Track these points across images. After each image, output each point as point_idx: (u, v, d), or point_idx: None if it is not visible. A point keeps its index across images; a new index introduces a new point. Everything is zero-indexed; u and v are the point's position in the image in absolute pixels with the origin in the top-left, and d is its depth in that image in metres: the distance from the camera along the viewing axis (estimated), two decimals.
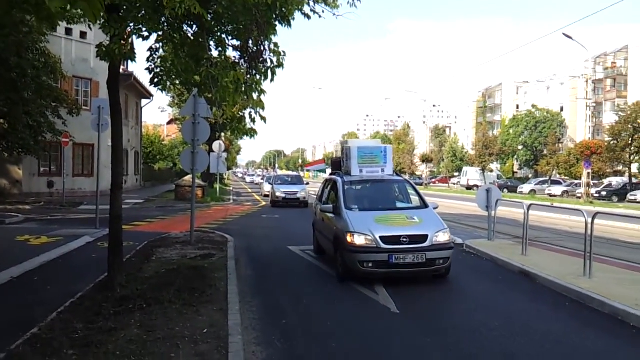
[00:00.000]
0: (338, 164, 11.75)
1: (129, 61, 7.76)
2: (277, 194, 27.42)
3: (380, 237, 8.38)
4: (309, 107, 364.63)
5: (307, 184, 30.77)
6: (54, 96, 22.04)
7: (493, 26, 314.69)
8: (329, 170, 21.10)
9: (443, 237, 8.72)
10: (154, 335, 5.51)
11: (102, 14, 5.97)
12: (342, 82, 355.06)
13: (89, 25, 7.48)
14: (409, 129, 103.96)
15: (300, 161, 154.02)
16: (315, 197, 12.71)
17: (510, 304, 7.77)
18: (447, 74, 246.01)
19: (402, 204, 10.23)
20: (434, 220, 9.14)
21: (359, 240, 8.44)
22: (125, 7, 5.45)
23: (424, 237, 8.53)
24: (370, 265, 8.34)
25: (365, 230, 8.48)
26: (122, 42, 5.82)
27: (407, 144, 79.51)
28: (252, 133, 6.91)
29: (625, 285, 7.99)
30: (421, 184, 68.10)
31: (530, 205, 11.61)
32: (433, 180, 78.43)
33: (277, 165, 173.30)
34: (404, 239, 8.41)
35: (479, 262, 11.04)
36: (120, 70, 31.04)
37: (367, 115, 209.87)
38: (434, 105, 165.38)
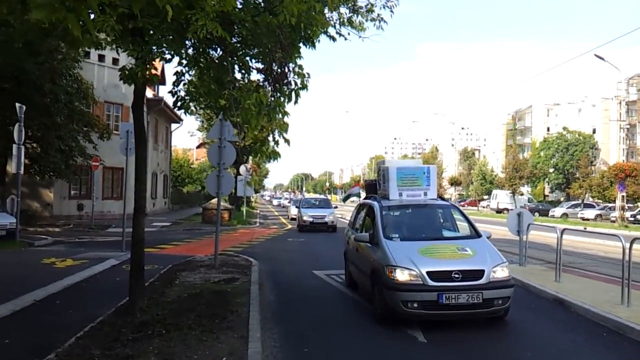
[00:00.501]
0: (373, 187, 10.56)
1: (160, 86, 7.74)
2: (305, 217, 26.35)
3: (428, 273, 7.11)
4: (336, 130, 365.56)
5: (336, 207, 29.72)
6: (85, 121, 22.50)
7: (521, 48, 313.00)
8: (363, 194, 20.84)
9: (502, 273, 7.41)
10: None
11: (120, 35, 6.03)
12: (370, 105, 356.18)
13: (117, 51, 7.51)
14: (437, 152, 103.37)
15: (327, 184, 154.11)
16: (348, 223, 11.53)
17: (544, 334, 7.40)
18: (476, 96, 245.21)
19: (450, 232, 8.96)
20: (490, 252, 7.78)
21: (402, 275, 7.20)
22: (149, 31, 5.43)
23: (480, 273, 7.24)
24: (415, 305, 7.08)
25: (408, 264, 7.24)
26: (146, 65, 5.81)
27: (436, 167, 78.79)
28: (275, 156, 6.80)
29: None
30: None
31: (564, 229, 11.23)
32: (462, 203, 77.30)
33: (304, 188, 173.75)
34: (456, 275, 7.15)
35: None
36: (151, 95, 31.71)
37: (395, 138, 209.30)
38: (462, 128, 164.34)
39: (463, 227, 8.92)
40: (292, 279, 11.80)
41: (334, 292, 10.35)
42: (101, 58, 27.95)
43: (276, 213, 51.66)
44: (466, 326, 7.71)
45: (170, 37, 5.77)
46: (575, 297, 8.80)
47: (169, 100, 33.64)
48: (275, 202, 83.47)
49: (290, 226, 30.76)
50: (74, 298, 9.09)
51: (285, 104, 6.41)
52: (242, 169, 27.94)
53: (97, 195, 26.01)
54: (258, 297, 8.81)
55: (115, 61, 28.92)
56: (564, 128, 71.87)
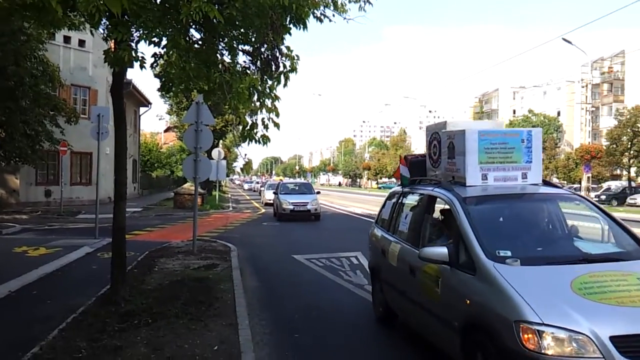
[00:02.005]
0: (421, 166, 6.71)
1: (129, 68, 7.50)
2: (284, 205, 23.22)
3: (614, 339, 3.63)
4: (306, 114, 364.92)
5: (318, 192, 26.39)
6: (52, 105, 21.79)
7: (488, 32, 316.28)
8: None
9: None
10: (162, 355, 5.25)
11: (103, 18, 5.78)
12: (339, 89, 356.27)
13: (91, 31, 7.23)
14: (405, 135, 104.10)
15: (297, 167, 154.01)
16: (375, 222, 7.83)
17: None
18: (444, 80, 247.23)
19: (588, 244, 5.22)
20: None
21: (557, 343, 3.68)
22: (134, 11, 5.20)
23: None
24: None
25: (565, 319, 3.72)
26: (132, 48, 5.58)
27: (404, 150, 79.41)
28: (265, 140, 6.66)
29: None
30: None
31: None
32: None
33: (274, 172, 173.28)
34: None
35: None
36: None
37: (364, 122, 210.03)
38: (430, 111, 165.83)
39: (610, 234, 5.25)
40: (272, 264, 11.73)
41: (316, 276, 10.29)
42: (67, 40, 27.07)
43: (248, 197, 51.36)
44: None
45: (155, 18, 5.54)
46: None
47: (139, 83, 33.04)
48: (246, 186, 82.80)
49: (263, 210, 30.60)
50: (51, 288, 8.83)
51: (275, 87, 6.28)
52: (214, 152, 27.50)
53: (66, 181, 25.32)
54: (241, 284, 8.72)
55: (81, 43, 28.25)
56: (530, 111, 73.08)
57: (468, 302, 4.38)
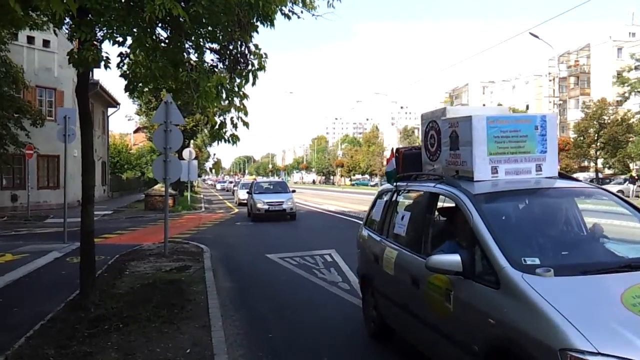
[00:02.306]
0: (416, 159, 5.94)
1: (96, 69, 7.35)
2: (259, 205, 22.39)
3: None
4: (278, 112, 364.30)
5: (294, 191, 25.50)
6: (16, 107, 21.24)
7: (457, 28, 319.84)
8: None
9: None
10: (133, 359, 5.15)
11: (67, 18, 5.64)
12: (311, 87, 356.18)
13: (54, 31, 7.06)
14: (377, 131, 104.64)
15: (270, 166, 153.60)
16: (364, 223, 6.88)
17: None
18: (414, 76, 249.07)
19: (620, 245, 4.46)
20: None
21: None
22: (97, 10, 5.08)
23: None
24: None
25: (628, 347, 2.89)
26: (96, 48, 5.46)
27: (377, 146, 79.88)
28: (234, 139, 6.58)
29: None
30: None
31: None
32: None
33: (247, 171, 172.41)
34: None
35: None
36: None
37: (336, 119, 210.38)
38: (401, 107, 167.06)
39: (623, 231, 4.77)
40: (246, 264, 11.65)
41: (290, 275, 10.25)
42: (30, 40, 26.42)
43: (220, 197, 51.01)
44: None
45: (119, 17, 5.42)
46: None
47: (107, 84, 32.52)
48: (219, 186, 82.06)
49: (237, 210, 30.41)
50: (18, 295, 8.58)
51: (244, 85, 6.21)
52: (185, 152, 27.20)
53: (32, 184, 24.76)
54: (214, 285, 8.63)
55: (46, 43, 27.60)
56: (499, 105, 74.16)
57: (492, 322, 3.55)
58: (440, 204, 5.10)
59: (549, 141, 4.94)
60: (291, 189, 25.73)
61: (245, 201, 27.73)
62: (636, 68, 50.14)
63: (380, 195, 6.57)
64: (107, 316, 6.50)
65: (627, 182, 39.12)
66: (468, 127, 4.78)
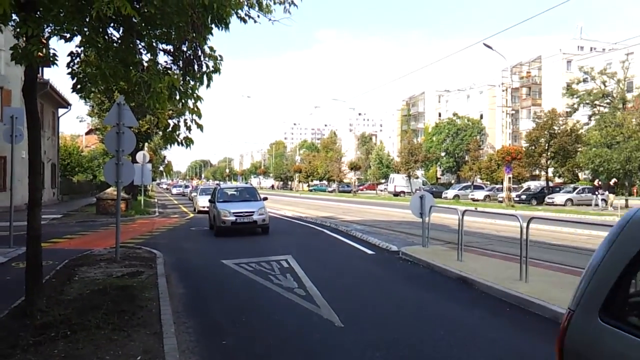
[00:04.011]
0: None
1: (46, 67, 7.10)
2: (224, 217, 18.07)
3: None
4: (236, 116, 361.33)
5: (265, 198, 20.99)
6: None
7: (417, 38, 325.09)
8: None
9: None
10: None
11: (13, 14, 5.44)
12: (269, 91, 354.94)
13: (0, 28, 6.80)
14: (335, 137, 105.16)
15: (227, 170, 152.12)
16: None
17: (452, 311, 7.73)
18: (372, 83, 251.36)
19: None
20: None
21: None
22: (44, 5, 4.91)
23: None
24: None
25: None
26: (42, 44, 5.28)
27: (335, 152, 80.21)
28: (188, 142, 6.46)
29: (560, 287, 8.14)
30: (350, 191, 68.99)
31: (465, 211, 11.77)
32: (361, 187, 79.63)
33: (203, 175, 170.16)
34: None
35: (417, 269, 11.03)
36: None
37: (295, 124, 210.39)
38: (359, 114, 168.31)
39: None
40: (200, 270, 11.47)
41: (245, 280, 10.13)
42: None
43: (175, 202, 50.14)
44: (380, 310, 7.89)
45: (69, 13, 5.26)
46: (478, 275, 9.26)
47: (57, 84, 31.55)
48: (175, 190, 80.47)
49: (192, 215, 29.95)
50: None
51: (198, 87, 6.12)
52: (139, 156, 26.66)
53: None
54: (167, 291, 8.44)
55: None
56: (454, 114, 75.74)
57: None
58: None
59: None
60: (262, 196, 21.26)
61: (205, 209, 24.78)
62: (584, 80, 52.14)
63: None
64: (54, 323, 6.26)
65: (586, 192, 40.22)
66: None
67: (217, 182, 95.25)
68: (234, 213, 18.18)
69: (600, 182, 38.59)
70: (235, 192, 21.81)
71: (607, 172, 41.74)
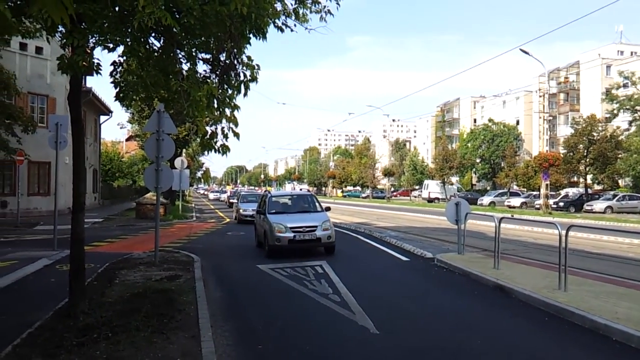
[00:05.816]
0: None
1: (89, 76, 7.36)
2: (278, 233, 13.84)
3: None
4: (271, 123, 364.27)
5: (328, 209, 16.55)
6: (7, 113, 21.17)
7: (453, 43, 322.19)
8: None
9: None
10: None
11: (60, 25, 5.66)
12: (304, 98, 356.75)
13: (47, 39, 7.07)
14: (369, 143, 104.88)
15: (262, 176, 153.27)
16: None
17: (489, 320, 7.63)
18: (406, 89, 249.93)
19: None
20: None
21: None
22: (89, 17, 5.10)
23: None
24: None
25: None
26: (87, 54, 5.48)
27: (369, 158, 79.98)
28: (224, 150, 6.60)
29: (601, 297, 7.96)
30: (384, 197, 68.70)
31: (502, 218, 11.59)
32: (395, 193, 79.22)
33: (238, 181, 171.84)
34: None
35: (452, 276, 10.92)
36: None
37: (329, 130, 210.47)
38: (393, 120, 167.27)
39: None
40: (236, 275, 11.61)
41: (280, 285, 10.22)
42: (23, 47, 26.42)
43: (212, 206, 50.84)
44: (416, 318, 7.85)
45: (112, 24, 5.45)
46: (515, 284, 9.12)
47: (99, 92, 32.43)
48: (211, 195, 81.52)
49: (228, 220, 30.31)
50: (5, 303, 8.52)
51: (235, 96, 6.24)
52: (177, 161, 27.14)
53: (23, 191, 24.68)
54: (204, 295, 8.59)
55: (39, 50, 27.60)
56: (490, 120, 74.56)
57: None
58: None
59: None
60: (325, 206, 16.64)
61: (248, 218, 22.33)
62: (624, 86, 50.76)
63: None
64: (96, 325, 6.46)
65: (627, 199, 39.14)
66: None
67: (251, 187, 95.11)
68: (291, 228, 13.99)
69: None
70: (289, 201, 17.10)
71: None
